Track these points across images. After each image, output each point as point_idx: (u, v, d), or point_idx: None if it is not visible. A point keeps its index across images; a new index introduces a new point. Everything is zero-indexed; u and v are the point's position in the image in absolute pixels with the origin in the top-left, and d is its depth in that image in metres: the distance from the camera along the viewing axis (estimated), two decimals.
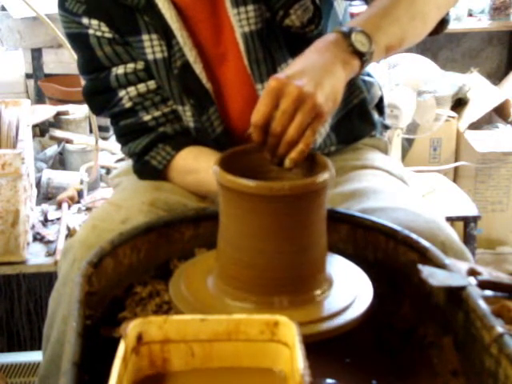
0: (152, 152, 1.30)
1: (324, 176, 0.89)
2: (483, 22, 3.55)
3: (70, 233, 2.00)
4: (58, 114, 2.65)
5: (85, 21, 1.26)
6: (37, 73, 2.93)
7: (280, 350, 0.81)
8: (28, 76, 2.95)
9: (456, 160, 2.96)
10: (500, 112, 3.19)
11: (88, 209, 2.15)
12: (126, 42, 1.27)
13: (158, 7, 1.23)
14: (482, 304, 0.81)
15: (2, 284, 2.10)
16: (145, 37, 1.25)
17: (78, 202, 2.20)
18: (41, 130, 2.66)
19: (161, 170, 1.30)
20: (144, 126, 1.30)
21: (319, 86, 0.94)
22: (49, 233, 2.03)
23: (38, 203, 2.20)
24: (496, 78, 3.61)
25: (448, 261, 0.92)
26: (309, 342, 0.77)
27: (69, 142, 2.52)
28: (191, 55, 1.24)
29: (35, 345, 2.14)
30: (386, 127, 1.48)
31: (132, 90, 1.28)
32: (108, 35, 1.26)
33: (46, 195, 2.26)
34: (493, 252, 2.81)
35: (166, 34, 1.24)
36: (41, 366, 1.22)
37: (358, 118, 1.37)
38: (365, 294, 0.91)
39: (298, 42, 1.21)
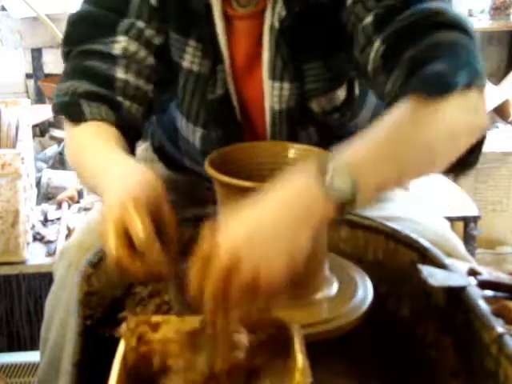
0: (90, 101, 1.06)
1: None
2: (483, 22, 3.55)
3: (70, 233, 2.00)
4: None
5: None
6: (37, 73, 2.93)
7: None
8: (28, 76, 2.95)
9: None
10: (500, 112, 3.19)
11: (87, 209, 2.15)
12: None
13: (216, 31, 1.09)
14: (482, 304, 0.81)
15: (2, 284, 2.10)
16: (191, 43, 1.10)
17: (78, 201, 2.20)
18: (41, 130, 2.65)
19: (84, 120, 1.04)
20: (108, 80, 1.07)
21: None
22: (49, 233, 2.03)
23: (38, 203, 2.20)
24: (496, 78, 3.61)
25: (448, 261, 0.92)
26: (309, 342, 0.77)
27: None
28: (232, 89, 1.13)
29: (35, 345, 2.14)
30: None
31: (131, 43, 1.09)
32: None
33: (46, 195, 2.26)
34: (493, 252, 2.81)
35: (215, 57, 1.11)
36: (39, 369, 1.20)
37: None
38: (365, 293, 0.91)
39: (321, 125, 1.14)
